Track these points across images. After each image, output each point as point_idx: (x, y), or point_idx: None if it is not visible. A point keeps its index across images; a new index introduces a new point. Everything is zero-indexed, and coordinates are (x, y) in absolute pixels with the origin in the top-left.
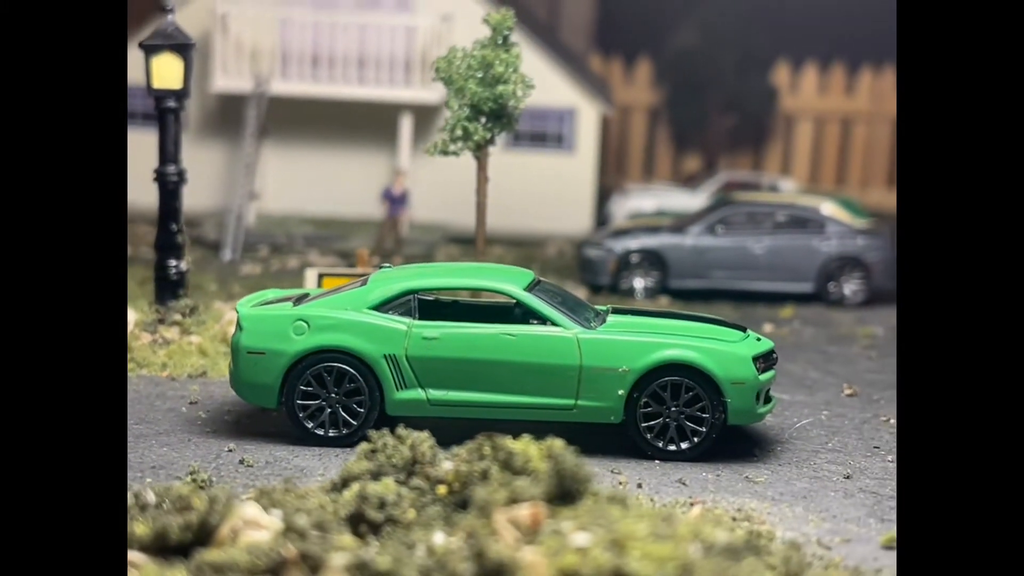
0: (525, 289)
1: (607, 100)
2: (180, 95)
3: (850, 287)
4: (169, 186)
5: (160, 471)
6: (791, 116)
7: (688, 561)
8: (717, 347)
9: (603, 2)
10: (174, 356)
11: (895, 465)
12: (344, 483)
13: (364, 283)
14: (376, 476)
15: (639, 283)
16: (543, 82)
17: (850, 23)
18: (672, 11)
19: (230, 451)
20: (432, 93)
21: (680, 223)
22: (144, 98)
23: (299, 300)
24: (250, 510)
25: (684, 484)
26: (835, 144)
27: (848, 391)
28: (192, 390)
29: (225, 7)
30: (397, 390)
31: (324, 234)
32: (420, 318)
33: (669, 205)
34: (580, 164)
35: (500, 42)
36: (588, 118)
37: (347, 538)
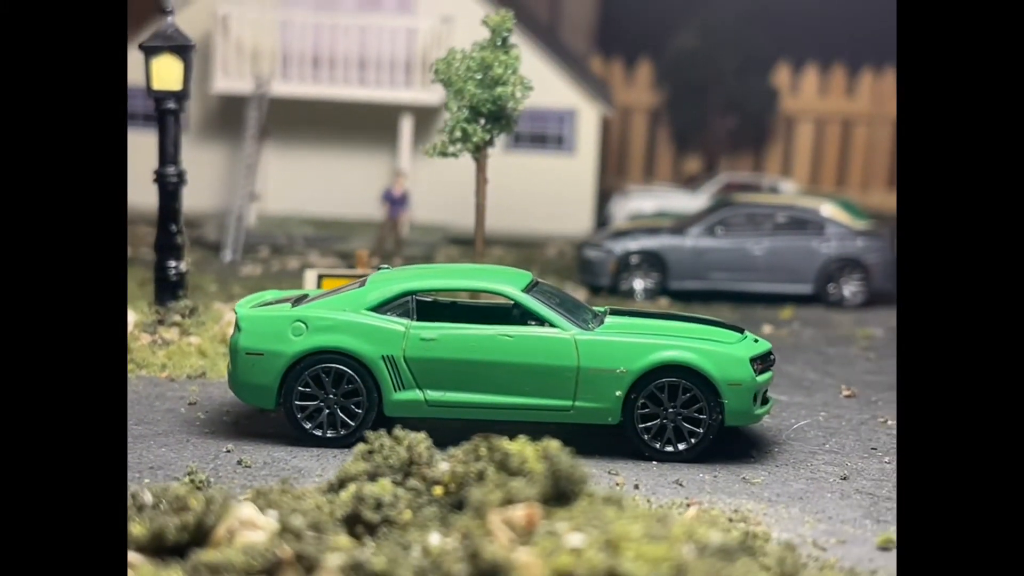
0: (523, 290)
1: (607, 101)
2: (180, 96)
3: (849, 288)
4: (169, 187)
5: (158, 471)
6: (792, 117)
7: (682, 562)
8: (714, 348)
9: (604, 3)
10: (173, 357)
11: (892, 466)
12: (341, 484)
13: (362, 284)
14: (373, 477)
15: (639, 284)
16: (543, 83)
17: (851, 24)
18: (673, 12)
19: (228, 452)
20: (432, 94)
21: (680, 224)
22: (145, 99)
23: (298, 301)
24: (246, 511)
25: (681, 485)
26: (836, 145)
27: (846, 392)
28: (191, 391)
29: (226, 8)
30: (395, 391)
31: (324, 235)
32: (418, 319)
33: (669, 206)
34: (580, 165)
35: (499, 44)
36: (588, 119)
37: (343, 539)
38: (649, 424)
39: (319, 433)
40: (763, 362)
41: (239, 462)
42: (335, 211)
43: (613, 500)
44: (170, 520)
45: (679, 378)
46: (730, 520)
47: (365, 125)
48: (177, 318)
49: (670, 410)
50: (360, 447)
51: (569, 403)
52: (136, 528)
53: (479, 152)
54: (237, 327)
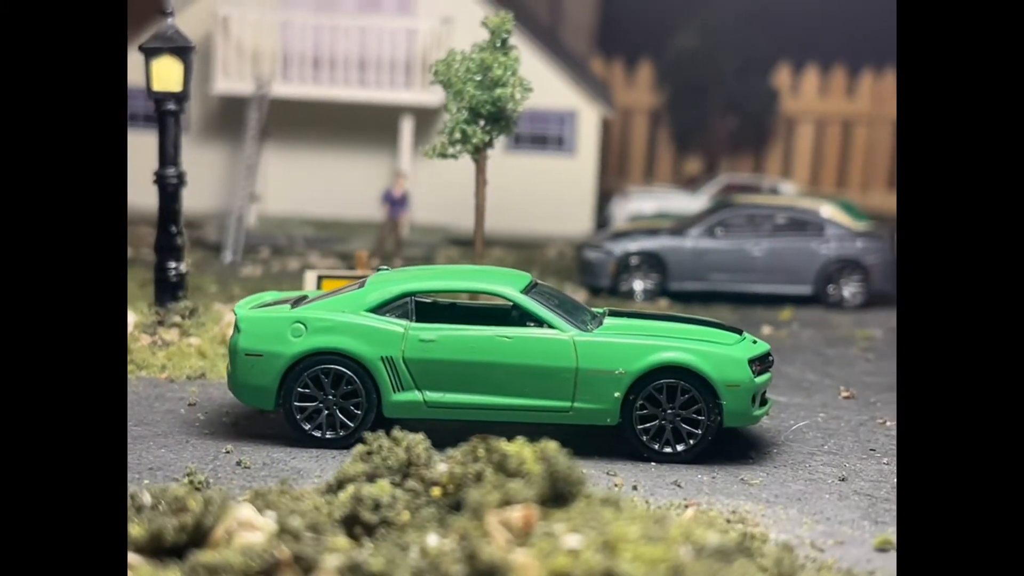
0: (521, 292)
1: (608, 102)
2: (180, 98)
3: (849, 289)
4: (169, 188)
5: (158, 472)
6: (792, 118)
7: (679, 563)
8: (713, 350)
9: (605, 4)
10: (173, 358)
11: (890, 467)
12: (339, 485)
13: (361, 286)
14: (371, 478)
15: (638, 285)
16: (544, 85)
17: (851, 25)
18: (673, 13)
19: (227, 453)
20: (433, 96)
21: (679, 225)
22: (145, 100)
23: (297, 302)
24: (245, 512)
25: (679, 486)
26: (836, 146)
27: (845, 394)
28: (191, 392)
29: (226, 10)
30: (394, 392)
31: (325, 236)
32: (418, 320)
33: (670, 207)
34: (581, 166)
35: (498, 45)
36: (589, 120)
37: (341, 540)
38: (648, 425)
39: (318, 434)
40: (761, 363)
41: (238, 463)
42: (335, 212)
43: (611, 501)
44: (168, 521)
45: (678, 379)
46: (728, 521)
47: (365, 126)
48: (177, 319)
49: (669, 411)
50: (359, 448)
51: (568, 404)
52: (134, 529)
53: (478, 153)
54: (236, 328)
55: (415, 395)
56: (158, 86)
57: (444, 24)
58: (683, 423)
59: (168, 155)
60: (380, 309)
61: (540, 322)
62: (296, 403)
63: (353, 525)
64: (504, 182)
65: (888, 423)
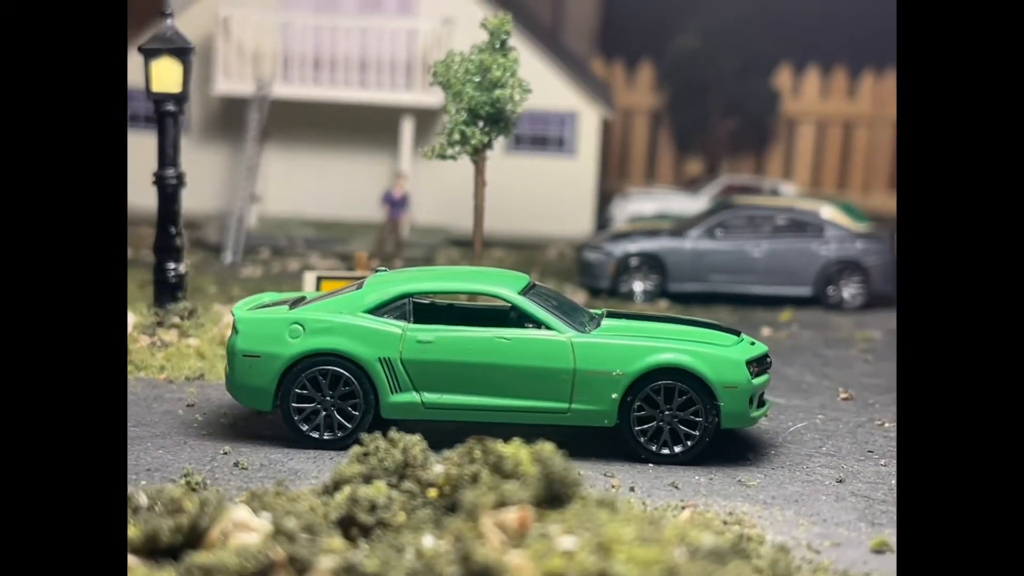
0: (519, 293)
1: (608, 104)
2: (179, 99)
3: (849, 291)
4: (168, 189)
5: (155, 473)
6: (793, 120)
7: (673, 565)
8: (710, 351)
9: (606, 5)
10: (172, 359)
11: (888, 469)
12: (336, 486)
13: (359, 287)
14: (367, 479)
15: (638, 286)
16: (544, 86)
17: (852, 26)
18: (674, 14)
19: (225, 454)
20: (433, 96)
21: (679, 227)
22: (146, 101)
23: (295, 303)
24: (240, 513)
25: (676, 488)
26: (837, 148)
27: (844, 395)
28: (189, 393)
29: (227, 10)
30: (392, 393)
31: (325, 237)
32: (416, 322)
33: (670, 208)
34: (581, 167)
35: (498, 46)
36: (589, 122)
37: (336, 541)
38: (645, 426)
39: (316, 435)
40: (759, 365)
41: (236, 464)
42: (336, 213)
43: (606, 503)
44: (164, 522)
45: (675, 381)
46: (724, 523)
47: (366, 127)
48: (176, 320)
49: (666, 413)
50: (355, 449)
51: (565, 405)
52: (130, 530)
53: (477, 154)
54: (234, 329)
55: (413, 396)
56: (157, 87)
57: (445, 25)
58: (681, 424)
59: (167, 156)
60: (378, 310)
61: (538, 323)
62: (294, 404)
63: (349, 526)
64: (504, 183)
65: (886, 424)
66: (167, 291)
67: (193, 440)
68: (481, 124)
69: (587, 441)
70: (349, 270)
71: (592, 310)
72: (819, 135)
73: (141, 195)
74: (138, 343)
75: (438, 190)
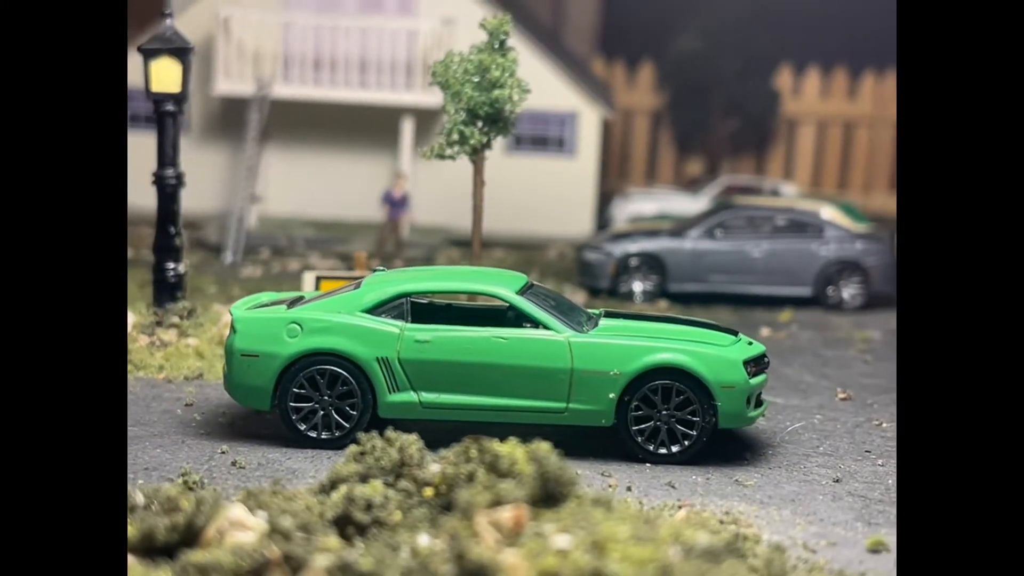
0: (517, 293)
1: (608, 104)
2: (179, 99)
3: (848, 291)
4: (167, 189)
5: (153, 472)
6: (793, 120)
7: (668, 563)
8: (708, 351)
9: (607, 6)
10: (171, 358)
11: (885, 469)
12: (332, 485)
13: (358, 286)
14: (364, 478)
15: (638, 287)
16: (545, 86)
17: (853, 27)
18: (675, 15)
19: (223, 453)
20: (433, 97)
21: (679, 227)
22: (146, 101)
23: (293, 303)
24: (236, 511)
25: (674, 487)
26: (837, 148)
27: (842, 395)
28: (188, 392)
29: (227, 11)
30: (389, 393)
31: (325, 237)
32: (414, 321)
33: (671, 209)
34: (581, 168)
35: (497, 46)
36: (589, 122)
37: (332, 540)
38: (643, 426)
39: (314, 435)
40: (757, 365)
41: (233, 463)
42: (336, 213)
43: (602, 502)
44: (160, 521)
45: (672, 380)
46: (721, 522)
47: (366, 127)
48: (175, 320)
49: (663, 412)
50: (352, 448)
51: (563, 405)
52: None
53: (476, 155)
54: (233, 329)
55: (411, 396)
56: (157, 87)
57: (445, 25)
58: (678, 424)
59: (167, 156)
60: (376, 310)
61: (536, 323)
62: (292, 404)
63: (345, 525)
64: (505, 183)
65: (884, 425)
66: (166, 291)
67: (191, 439)
68: (480, 124)
69: (585, 441)
70: (349, 270)
71: (590, 310)
72: (820, 135)
73: (141, 195)
74: (137, 343)
75: (438, 190)
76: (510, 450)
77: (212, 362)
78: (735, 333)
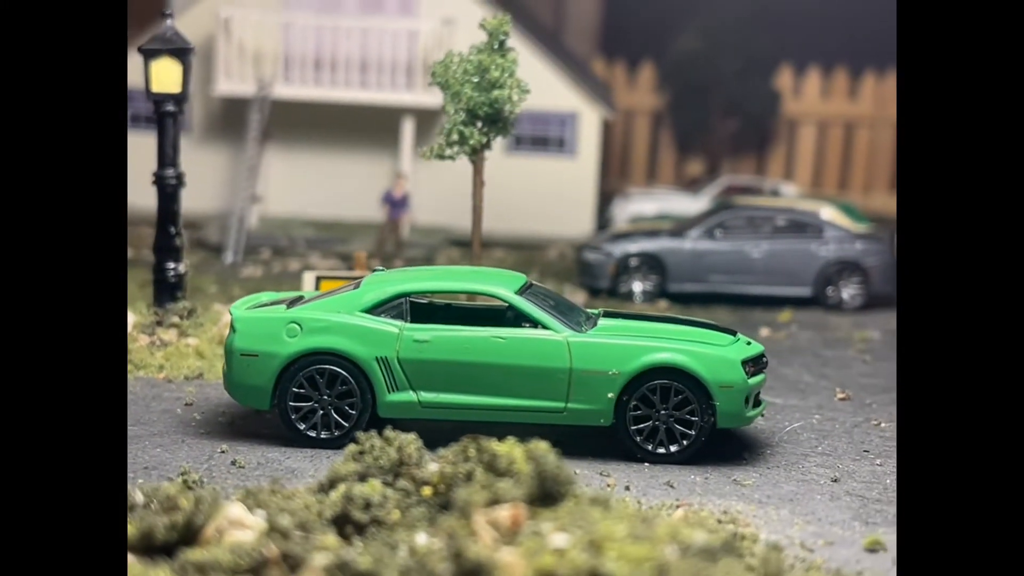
0: (516, 293)
1: (609, 104)
2: (179, 99)
3: (848, 291)
4: (168, 189)
5: (152, 472)
6: (794, 120)
7: (664, 562)
8: (706, 351)
9: (608, 7)
10: (171, 358)
11: (884, 469)
12: (331, 484)
13: (357, 286)
14: (363, 477)
15: (638, 287)
16: (545, 86)
17: (853, 27)
18: (676, 15)
19: (222, 452)
20: (434, 97)
21: (679, 227)
22: (146, 101)
23: (293, 303)
24: (235, 510)
25: (672, 487)
26: (838, 148)
27: (841, 395)
28: (188, 392)
29: (228, 11)
30: (389, 392)
31: (326, 237)
32: (414, 321)
33: (671, 209)
34: (581, 168)
35: (496, 47)
36: (590, 122)
37: (330, 538)
38: (641, 426)
39: (313, 434)
40: (755, 364)
41: (233, 462)
42: (336, 213)
43: (599, 501)
44: (159, 519)
45: (671, 380)
46: (719, 522)
47: (367, 127)
48: (175, 319)
49: (662, 412)
50: (351, 448)
51: (562, 405)
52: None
53: (476, 155)
54: (232, 328)
55: (410, 395)
56: (157, 87)
57: (445, 26)
58: (676, 424)
59: (167, 156)
60: (375, 310)
61: (535, 323)
62: (291, 403)
63: (344, 524)
64: (505, 183)
65: (883, 424)
66: (167, 291)
67: (191, 439)
68: (480, 124)
69: (583, 440)
70: (349, 270)
71: (589, 310)
72: (820, 136)
73: (142, 195)
74: (137, 342)
75: (438, 190)
76: (508, 449)
77: (212, 362)
78: (733, 333)
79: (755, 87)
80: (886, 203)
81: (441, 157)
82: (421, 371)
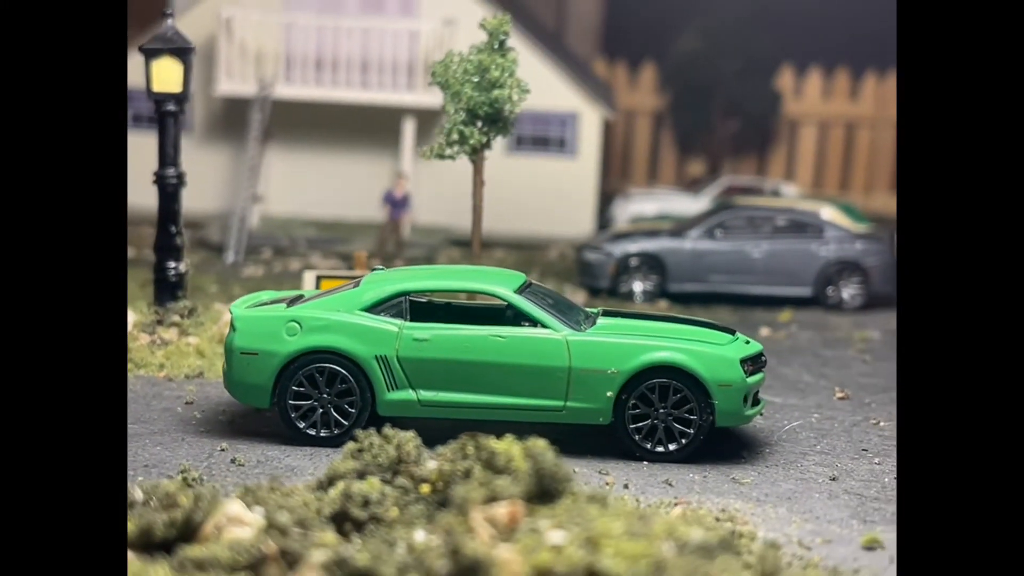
0: (515, 291)
1: (609, 104)
2: (180, 99)
3: (848, 291)
4: (168, 189)
5: (153, 469)
6: (795, 121)
7: (661, 559)
8: (705, 349)
9: (609, 7)
10: (172, 357)
11: (882, 467)
12: (330, 482)
13: (356, 285)
14: (361, 475)
15: (638, 287)
16: (546, 87)
17: (854, 27)
18: (677, 16)
19: (222, 450)
20: (435, 97)
21: (679, 227)
22: (148, 101)
23: (293, 301)
24: (234, 507)
25: (670, 485)
26: (839, 149)
27: (840, 394)
28: (188, 390)
29: (230, 11)
30: (388, 391)
31: (327, 237)
32: (414, 320)
33: (672, 209)
34: (582, 168)
35: (496, 47)
36: (590, 122)
37: (329, 535)
38: (640, 424)
39: (313, 432)
40: (754, 363)
41: (233, 460)
42: (338, 213)
43: (597, 498)
44: (158, 516)
45: (670, 379)
46: (717, 520)
47: (368, 127)
48: (176, 318)
49: (661, 411)
50: (350, 445)
51: (561, 403)
52: None
53: (476, 154)
54: (232, 327)
55: (409, 394)
56: (158, 87)
57: (446, 26)
58: (675, 422)
59: (168, 155)
60: (375, 308)
61: (534, 322)
62: (291, 401)
63: (343, 521)
64: (506, 183)
65: (882, 424)
66: (167, 290)
67: (191, 437)
68: (479, 124)
69: (582, 439)
70: (349, 270)
71: (588, 309)
72: (821, 136)
73: (143, 194)
74: (138, 341)
75: (439, 190)
76: (506, 447)
77: (212, 360)
78: (732, 332)
79: (756, 87)
80: (887, 203)
81: (441, 156)
82: (420, 370)
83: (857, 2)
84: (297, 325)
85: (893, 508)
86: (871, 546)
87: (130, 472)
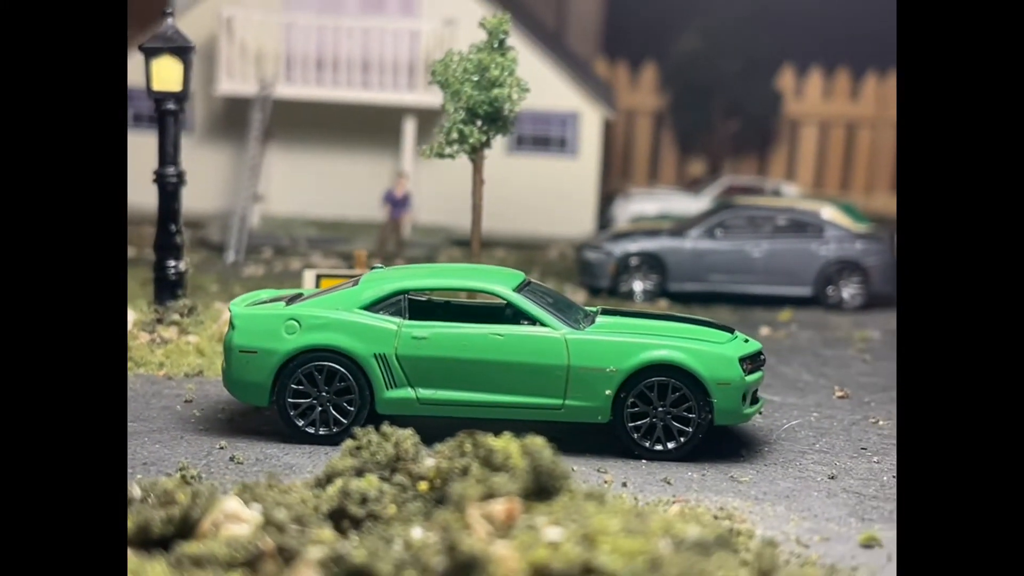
0: (514, 290)
1: (610, 104)
2: (180, 98)
3: (848, 291)
4: (168, 188)
5: (152, 467)
6: (796, 121)
7: (658, 556)
8: (703, 348)
9: (610, 7)
10: (171, 355)
11: (881, 466)
12: (328, 479)
13: (356, 283)
14: (360, 472)
15: (638, 286)
16: (546, 86)
17: (855, 27)
18: (678, 16)
19: (221, 448)
20: (435, 97)
21: (679, 226)
22: (148, 100)
23: (292, 300)
24: (232, 504)
25: (669, 483)
26: (840, 149)
27: (839, 393)
28: (188, 389)
29: (230, 11)
30: (387, 389)
31: (327, 236)
32: (412, 318)
33: (672, 209)
34: (583, 168)
35: (496, 46)
36: (591, 122)
37: (326, 532)
38: (639, 423)
39: (311, 430)
40: (753, 362)
41: (232, 458)
42: (338, 212)
43: (595, 496)
44: (156, 513)
45: (668, 377)
46: (715, 518)
47: (368, 127)
48: (176, 317)
49: (659, 409)
50: (348, 443)
51: (559, 402)
52: None
53: (476, 153)
54: (231, 325)
55: (408, 392)
56: (158, 86)
57: (447, 26)
58: (674, 421)
59: (168, 154)
60: (374, 307)
61: (533, 320)
62: (290, 399)
63: (340, 518)
64: (507, 183)
65: (881, 423)
66: (167, 288)
67: (190, 435)
68: (479, 123)
69: (581, 437)
70: (349, 269)
71: (587, 307)
72: (822, 136)
73: (143, 193)
74: (138, 340)
75: (440, 190)
76: (504, 444)
77: (212, 359)
78: (731, 330)
79: (757, 87)
80: (888, 203)
81: (441, 155)
82: (419, 368)
83: (857, 2)
84: (296, 323)
85: (891, 507)
86: (869, 544)
87: (129, 470)
